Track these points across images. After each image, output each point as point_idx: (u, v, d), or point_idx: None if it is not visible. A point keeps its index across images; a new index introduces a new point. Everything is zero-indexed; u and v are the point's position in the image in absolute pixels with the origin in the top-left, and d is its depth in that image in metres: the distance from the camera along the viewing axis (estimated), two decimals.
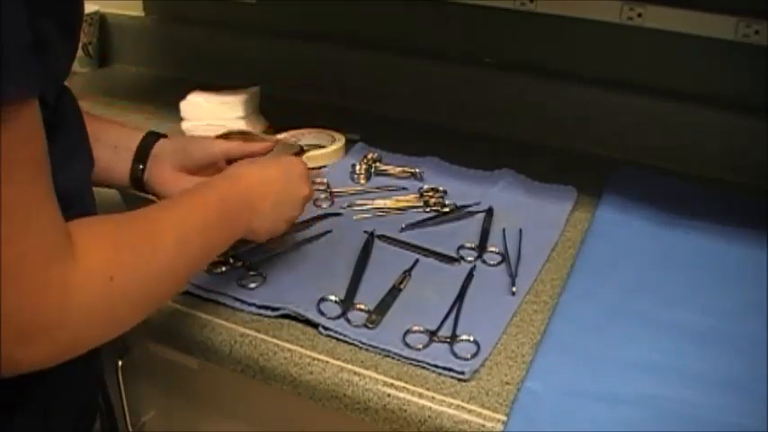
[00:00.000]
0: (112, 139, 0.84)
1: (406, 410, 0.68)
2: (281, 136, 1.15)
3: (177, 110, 1.19)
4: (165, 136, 0.87)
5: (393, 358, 0.72)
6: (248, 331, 0.76)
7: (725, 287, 0.84)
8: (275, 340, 0.75)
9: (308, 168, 0.82)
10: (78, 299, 0.51)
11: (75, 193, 0.62)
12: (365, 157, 1.12)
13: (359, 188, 1.05)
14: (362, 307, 0.78)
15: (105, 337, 0.57)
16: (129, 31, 1.54)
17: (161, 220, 0.62)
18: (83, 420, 0.71)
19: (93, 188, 0.81)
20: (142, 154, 0.85)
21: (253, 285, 0.81)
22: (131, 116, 1.26)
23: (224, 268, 0.83)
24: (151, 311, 0.62)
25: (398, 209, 0.99)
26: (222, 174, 0.76)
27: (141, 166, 0.85)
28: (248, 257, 0.85)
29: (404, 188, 1.05)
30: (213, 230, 0.68)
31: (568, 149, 1.18)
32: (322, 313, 0.77)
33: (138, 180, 0.85)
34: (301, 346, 0.74)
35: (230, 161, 0.87)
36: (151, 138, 0.86)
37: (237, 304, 0.79)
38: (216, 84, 1.23)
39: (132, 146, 0.85)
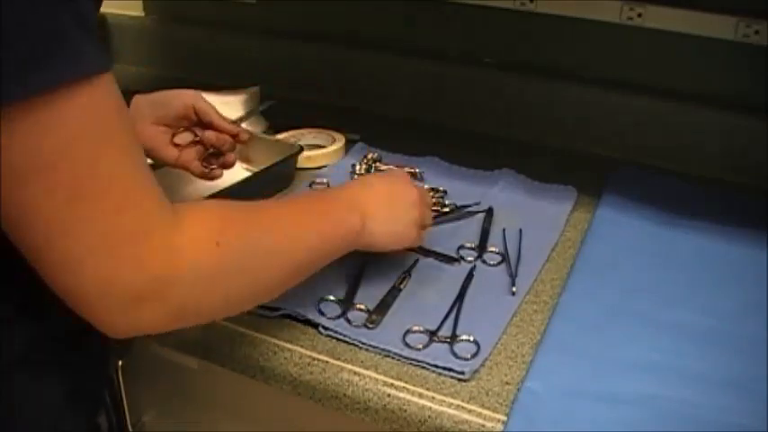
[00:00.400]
0: None
1: (406, 410, 0.68)
2: (281, 136, 1.16)
3: None
4: (134, 92, 0.87)
5: (393, 358, 0.72)
6: (248, 331, 0.76)
7: (725, 287, 0.84)
8: (275, 340, 0.75)
9: (421, 195, 0.80)
10: (188, 259, 0.52)
11: None
12: (365, 157, 1.12)
13: None
14: (362, 307, 0.78)
15: (218, 310, 0.58)
16: (129, 31, 1.54)
17: (271, 207, 0.65)
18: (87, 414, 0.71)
19: None
20: None
21: None
22: None
23: None
24: (263, 297, 0.63)
25: None
26: (337, 191, 0.77)
27: None
28: None
29: None
30: (325, 222, 0.68)
31: (568, 149, 1.18)
32: (322, 313, 0.77)
33: None
34: (301, 346, 0.74)
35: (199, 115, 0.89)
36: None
37: None
38: (216, 84, 1.23)
39: None
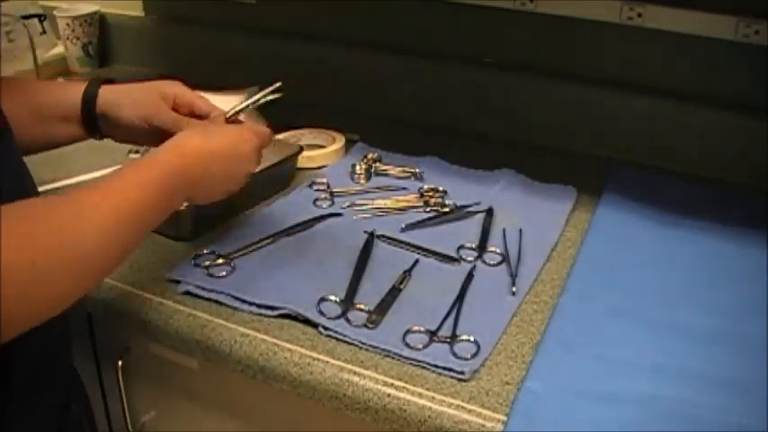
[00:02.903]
0: (56, 111, 0.82)
1: (406, 410, 0.68)
2: (281, 136, 1.15)
3: None
4: (100, 82, 0.84)
5: (393, 358, 0.72)
6: (248, 331, 0.76)
7: (725, 287, 0.84)
8: (275, 340, 0.75)
9: (266, 137, 0.80)
10: (2, 285, 0.50)
11: (14, 196, 0.61)
12: (365, 157, 1.12)
13: (359, 188, 1.05)
14: (362, 307, 0.78)
15: (31, 322, 0.55)
16: (129, 31, 1.54)
17: (91, 205, 0.60)
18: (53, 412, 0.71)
19: None
20: (91, 121, 0.82)
21: (251, 285, 0.81)
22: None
23: (224, 272, 0.83)
24: (81, 293, 0.60)
25: (398, 209, 0.99)
26: (165, 146, 0.71)
27: (98, 135, 0.84)
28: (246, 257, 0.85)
29: (404, 188, 1.05)
30: (148, 210, 0.65)
31: (568, 149, 1.18)
32: (322, 313, 0.77)
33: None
34: (301, 346, 0.74)
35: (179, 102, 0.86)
36: (91, 93, 0.82)
37: (238, 304, 0.79)
38: (216, 84, 1.23)
39: (76, 103, 0.82)
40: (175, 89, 0.85)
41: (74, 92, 0.82)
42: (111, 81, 0.84)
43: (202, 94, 1.19)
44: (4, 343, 0.53)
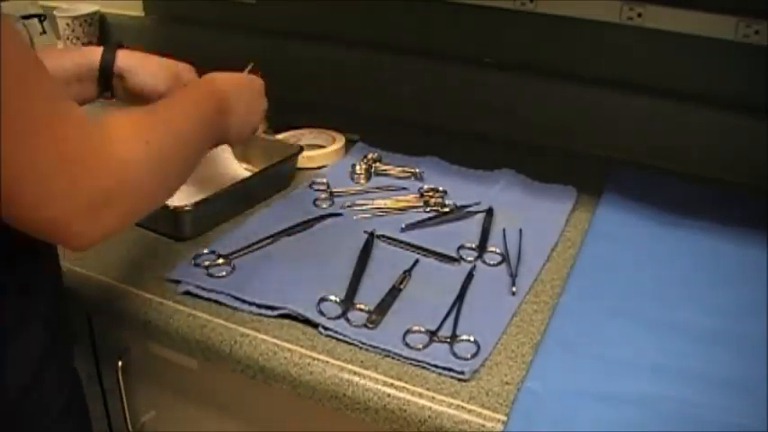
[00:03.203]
0: (74, 72, 0.88)
1: (406, 410, 0.68)
2: (281, 136, 1.16)
3: None
4: (117, 46, 0.91)
5: (393, 358, 0.72)
6: (248, 331, 0.76)
7: (725, 287, 0.84)
8: (275, 340, 0.75)
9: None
10: (125, 162, 0.58)
11: None
12: (365, 157, 1.12)
13: (359, 188, 1.05)
14: (362, 307, 0.78)
15: (158, 200, 0.67)
16: (129, 31, 1.54)
17: (168, 105, 0.71)
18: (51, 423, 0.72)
19: None
20: (106, 77, 0.90)
21: (251, 285, 0.81)
22: None
23: (224, 272, 0.83)
24: (184, 179, 0.70)
25: (398, 209, 0.99)
26: (204, 78, 0.84)
27: (108, 94, 0.91)
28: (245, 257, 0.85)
29: (404, 188, 1.05)
30: (208, 117, 0.76)
31: (568, 149, 1.18)
32: (322, 313, 0.77)
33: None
34: (301, 346, 0.74)
35: None
36: (109, 57, 0.89)
37: (237, 304, 0.79)
38: None
39: (94, 67, 0.89)
40: (189, 75, 0.97)
41: (92, 54, 0.89)
42: (121, 46, 0.91)
43: None
44: (8, 342, 0.54)
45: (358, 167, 1.08)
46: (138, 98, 0.90)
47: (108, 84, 0.89)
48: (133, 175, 0.59)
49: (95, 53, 0.88)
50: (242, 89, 0.85)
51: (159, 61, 0.94)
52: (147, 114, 0.66)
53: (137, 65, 0.90)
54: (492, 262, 0.88)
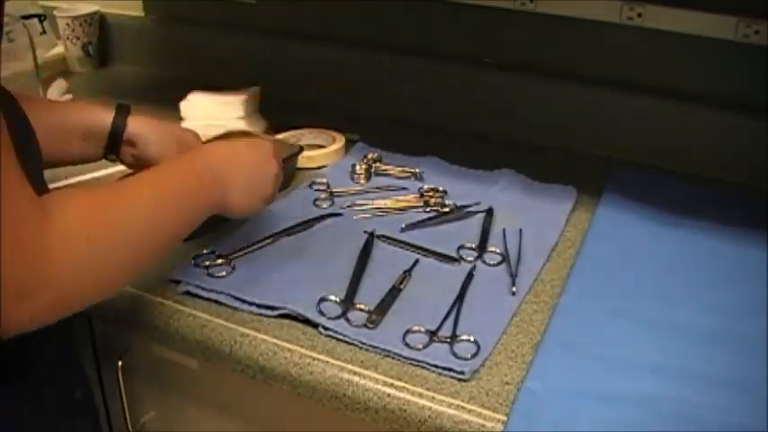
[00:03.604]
0: (79, 129, 0.87)
1: (406, 410, 0.68)
2: (281, 136, 1.16)
3: (177, 110, 1.19)
4: (127, 110, 0.89)
5: (393, 358, 0.72)
6: (248, 331, 0.76)
7: (725, 287, 0.84)
8: (275, 340, 0.75)
9: (277, 148, 0.84)
10: (59, 258, 0.54)
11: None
12: (365, 157, 1.12)
13: (359, 188, 1.05)
14: (362, 307, 0.78)
15: (94, 297, 0.60)
16: (129, 31, 1.54)
17: (134, 187, 0.66)
18: (61, 417, 0.72)
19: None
20: (115, 142, 0.88)
21: (251, 285, 0.81)
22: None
23: (224, 272, 0.83)
24: (134, 274, 0.64)
25: (398, 209, 0.99)
26: (193, 150, 0.79)
27: (113, 157, 0.90)
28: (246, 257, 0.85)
29: (404, 188, 1.05)
30: (187, 198, 0.70)
31: (568, 149, 1.18)
32: (322, 313, 0.77)
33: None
34: (301, 346, 0.74)
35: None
36: (120, 122, 0.88)
37: (237, 304, 0.79)
38: (216, 84, 1.23)
39: (104, 131, 0.87)
40: (191, 142, 0.92)
41: (101, 115, 0.87)
42: (127, 107, 0.89)
43: (203, 93, 1.20)
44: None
45: (358, 167, 1.08)
46: (146, 165, 0.86)
47: (116, 148, 0.88)
48: (65, 272, 0.55)
49: (105, 115, 0.87)
50: (241, 160, 0.78)
51: (170, 130, 0.92)
52: (103, 202, 0.61)
53: (148, 134, 0.88)
54: (492, 262, 0.88)
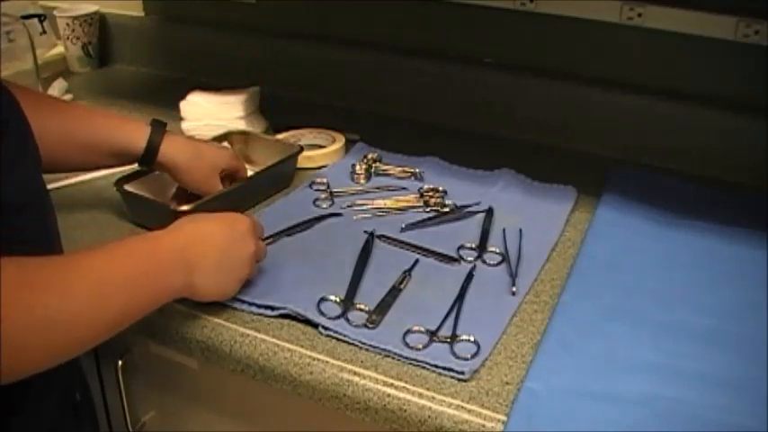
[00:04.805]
0: (111, 148, 0.88)
1: (406, 410, 0.68)
2: (281, 136, 1.16)
3: (177, 110, 1.19)
4: (164, 127, 0.90)
5: (393, 358, 0.72)
6: (248, 331, 0.76)
7: (725, 287, 0.84)
8: (275, 340, 0.75)
9: (254, 224, 0.78)
10: (7, 325, 0.51)
11: (26, 195, 0.63)
12: (365, 157, 1.12)
13: (359, 188, 1.05)
14: (362, 307, 0.78)
15: (45, 364, 0.57)
16: (129, 31, 1.54)
17: (78, 269, 0.60)
18: (61, 419, 0.72)
19: (97, 186, 0.86)
20: (147, 163, 0.90)
21: (250, 285, 0.81)
22: (132, 116, 1.26)
23: None
24: (93, 340, 0.61)
25: (398, 209, 0.99)
26: (162, 230, 0.71)
27: (146, 168, 0.92)
28: None
29: (404, 188, 1.05)
30: (138, 285, 0.65)
31: (568, 149, 1.18)
32: (322, 313, 0.77)
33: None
34: (301, 346, 0.74)
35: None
36: (153, 144, 0.88)
37: (237, 304, 0.79)
38: (216, 84, 1.23)
39: (136, 152, 0.88)
40: (229, 163, 0.95)
41: (135, 135, 0.88)
42: (165, 124, 0.90)
43: (203, 93, 1.20)
44: None
45: (358, 167, 1.08)
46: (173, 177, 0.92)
47: (147, 165, 0.90)
48: (10, 341, 0.51)
49: (139, 135, 0.87)
50: (212, 241, 0.72)
51: (204, 153, 0.92)
52: (52, 271, 0.57)
53: (179, 161, 0.90)
54: (492, 262, 0.88)
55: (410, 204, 1.00)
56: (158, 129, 0.89)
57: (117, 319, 0.63)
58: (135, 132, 0.88)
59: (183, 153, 0.90)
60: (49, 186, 1.01)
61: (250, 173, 1.04)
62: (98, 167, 0.97)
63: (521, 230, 0.93)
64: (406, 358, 0.72)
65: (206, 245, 0.71)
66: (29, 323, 0.54)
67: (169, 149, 0.89)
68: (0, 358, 0.52)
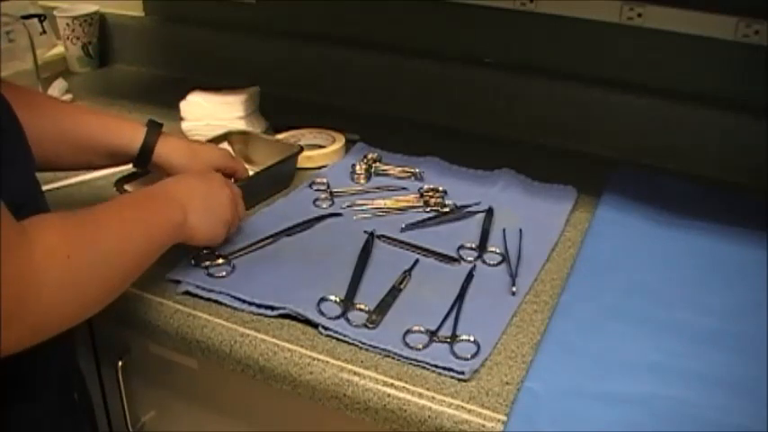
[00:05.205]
0: (106, 148, 0.87)
1: (406, 410, 0.68)
2: (281, 136, 1.16)
3: (177, 110, 1.19)
4: (160, 128, 0.90)
5: (393, 358, 0.72)
6: (248, 331, 0.76)
7: (725, 287, 0.84)
8: (275, 340, 0.75)
9: (227, 180, 0.85)
10: (43, 279, 0.55)
11: (24, 194, 0.64)
12: (365, 157, 1.12)
13: (359, 188, 1.05)
14: (362, 307, 0.78)
15: (76, 317, 0.61)
16: (129, 31, 1.54)
17: (104, 210, 0.67)
18: (59, 419, 0.72)
19: (97, 186, 0.86)
20: (141, 164, 0.90)
21: (251, 285, 0.81)
22: (131, 116, 1.27)
23: (224, 272, 0.83)
24: (113, 293, 0.66)
25: (398, 209, 0.99)
26: (149, 189, 0.78)
27: (141, 169, 0.91)
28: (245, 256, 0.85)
29: (404, 188, 1.05)
30: (152, 220, 0.72)
31: (568, 149, 1.18)
32: (322, 313, 0.77)
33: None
34: (301, 346, 0.74)
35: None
36: (148, 144, 0.88)
37: (237, 304, 0.79)
38: (216, 84, 1.23)
39: (131, 152, 0.88)
40: (225, 163, 0.95)
41: (129, 135, 0.88)
42: (161, 125, 0.90)
43: (203, 93, 1.20)
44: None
45: (358, 167, 1.08)
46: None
47: (142, 166, 0.90)
48: (49, 294, 0.56)
49: (134, 135, 0.88)
50: (195, 188, 0.80)
51: (199, 154, 0.93)
52: (76, 223, 0.62)
53: (174, 161, 0.90)
54: (492, 262, 0.88)
55: (410, 204, 1.00)
56: (154, 129, 0.89)
57: (142, 252, 0.69)
58: (130, 133, 0.88)
59: (178, 154, 0.90)
60: (49, 186, 1.02)
61: (250, 173, 1.04)
62: (91, 167, 0.96)
63: (521, 230, 0.93)
64: (406, 358, 0.72)
65: (190, 190, 0.79)
66: (87, 258, 0.60)
67: (164, 150, 0.89)
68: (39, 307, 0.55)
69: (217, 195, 0.82)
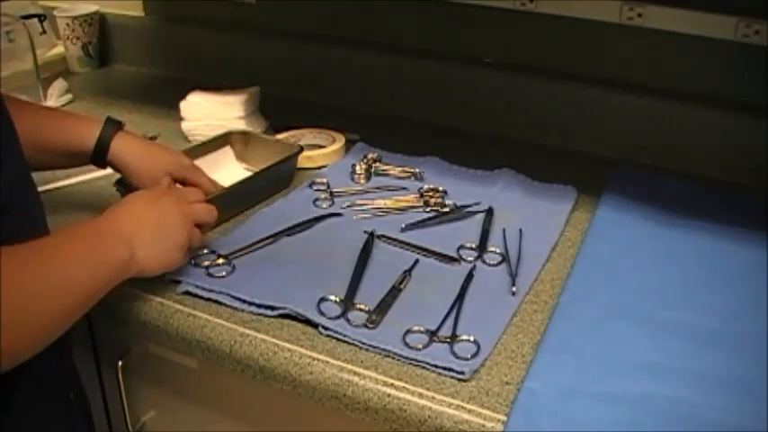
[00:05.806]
0: (64, 147, 0.86)
1: (406, 410, 0.68)
2: (281, 136, 1.16)
3: (177, 110, 1.19)
4: (118, 125, 0.89)
5: (393, 358, 0.72)
6: (248, 331, 0.76)
7: (725, 287, 0.84)
8: (275, 340, 0.75)
9: (182, 194, 0.81)
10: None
11: (8, 195, 0.63)
12: (365, 157, 1.12)
13: (359, 188, 1.05)
14: (362, 307, 0.78)
15: (12, 356, 0.57)
16: (129, 31, 1.54)
17: (46, 248, 0.63)
18: (54, 419, 0.72)
19: (97, 186, 0.84)
20: (98, 163, 0.89)
21: (251, 285, 0.81)
22: (131, 116, 1.27)
23: (224, 272, 0.83)
24: (52, 334, 0.62)
25: (398, 209, 0.99)
26: (91, 224, 0.74)
27: (100, 168, 0.90)
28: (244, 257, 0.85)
29: (404, 188, 1.05)
30: (96, 259, 0.67)
31: (568, 149, 1.18)
32: (322, 313, 0.77)
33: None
34: (301, 346, 0.74)
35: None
36: (105, 138, 0.87)
37: (237, 304, 0.79)
38: (216, 84, 1.23)
39: (87, 150, 0.87)
40: (184, 173, 0.91)
41: (86, 134, 0.86)
42: (119, 123, 0.88)
43: (203, 93, 1.20)
44: None
45: (358, 167, 1.08)
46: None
47: (101, 162, 0.88)
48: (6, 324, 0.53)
49: (90, 134, 0.86)
50: (140, 216, 0.74)
51: (156, 157, 0.90)
52: (21, 264, 0.58)
53: (129, 162, 0.88)
54: (492, 262, 0.88)
55: (410, 204, 1.00)
56: (110, 126, 0.87)
57: (85, 292, 0.64)
58: (87, 130, 0.86)
59: (133, 154, 0.88)
60: (49, 186, 1.02)
61: (250, 173, 1.04)
62: (55, 167, 0.95)
63: (521, 230, 0.93)
64: (406, 358, 0.72)
65: (138, 220, 0.74)
66: (22, 297, 0.56)
67: (119, 147, 0.87)
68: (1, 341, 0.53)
69: (167, 220, 0.76)
